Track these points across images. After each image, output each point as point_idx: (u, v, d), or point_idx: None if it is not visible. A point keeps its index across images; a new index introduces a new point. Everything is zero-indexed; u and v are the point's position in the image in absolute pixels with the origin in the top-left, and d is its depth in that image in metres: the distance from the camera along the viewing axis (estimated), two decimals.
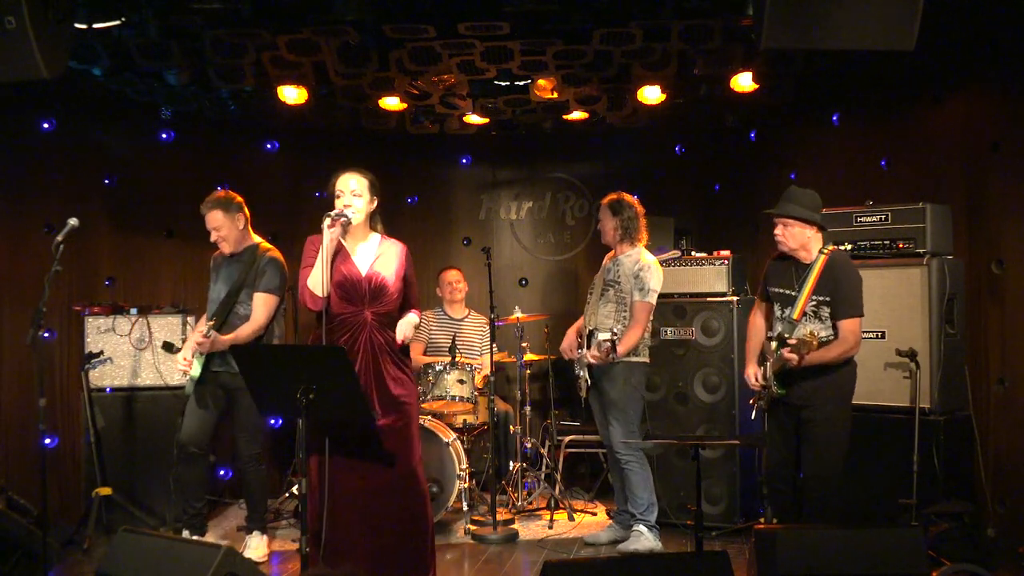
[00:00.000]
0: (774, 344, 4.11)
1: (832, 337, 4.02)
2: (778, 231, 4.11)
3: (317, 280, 3.66)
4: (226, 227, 4.62)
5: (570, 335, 5.06)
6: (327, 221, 3.63)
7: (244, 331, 4.53)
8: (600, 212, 4.98)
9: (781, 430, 4.18)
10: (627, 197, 4.91)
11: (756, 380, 4.21)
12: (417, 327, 3.94)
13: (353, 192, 3.77)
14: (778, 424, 4.21)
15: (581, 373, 4.89)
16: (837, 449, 4.02)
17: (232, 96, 5.56)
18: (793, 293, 4.10)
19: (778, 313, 4.19)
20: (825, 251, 4.08)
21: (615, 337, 4.54)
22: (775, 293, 4.21)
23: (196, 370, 4.53)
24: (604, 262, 5.03)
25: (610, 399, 4.78)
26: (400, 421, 3.74)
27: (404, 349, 3.88)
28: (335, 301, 3.73)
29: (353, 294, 3.73)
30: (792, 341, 3.86)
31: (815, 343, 3.79)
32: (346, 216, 3.70)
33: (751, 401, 4.33)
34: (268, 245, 4.75)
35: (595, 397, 4.90)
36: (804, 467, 4.08)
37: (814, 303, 4.04)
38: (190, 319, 5.38)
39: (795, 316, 4.05)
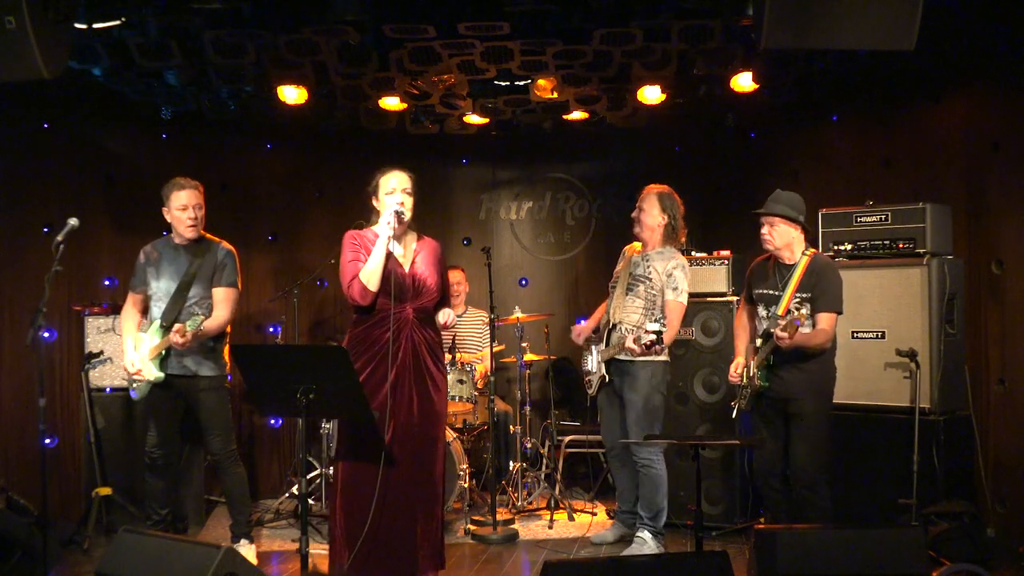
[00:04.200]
0: (759, 341, 4.23)
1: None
2: (765, 230, 4.22)
3: (370, 274, 3.73)
4: (201, 208, 4.47)
5: (589, 324, 4.92)
6: (390, 219, 3.71)
7: (212, 326, 4.38)
8: (644, 201, 4.69)
9: (769, 427, 4.25)
10: (675, 194, 4.73)
11: (736, 372, 4.29)
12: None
13: (405, 190, 3.85)
14: (765, 421, 4.27)
15: (594, 369, 4.77)
16: (823, 440, 4.14)
17: (232, 96, 5.56)
18: (777, 293, 4.20)
19: (763, 313, 4.28)
20: (808, 253, 4.21)
21: (663, 328, 4.19)
22: (759, 294, 4.31)
23: (153, 373, 4.37)
24: (628, 254, 4.85)
25: (631, 400, 4.63)
26: (432, 422, 3.82)
27: (440, 344, 3.95)
28: (381, 296, 3.78)
29: (398, 290, 3.78)
30: (782, 322, 3.95)
31: (804, 319, 3.93)
32: (404, 213, 3.78)
33: (732, 403, 4.38)
34: (218, 238, 4.61)
35: (609, 396, 4.79)
36: (795, 461, 4.16)
37: (797, 300, 4.12)
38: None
39: (780, 312, 4.13)
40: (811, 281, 4.12)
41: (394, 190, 3.83)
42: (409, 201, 3.85)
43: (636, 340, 4.30)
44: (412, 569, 3.75)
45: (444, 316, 3.92)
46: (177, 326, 4.24)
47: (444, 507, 4.05)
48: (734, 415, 4.39)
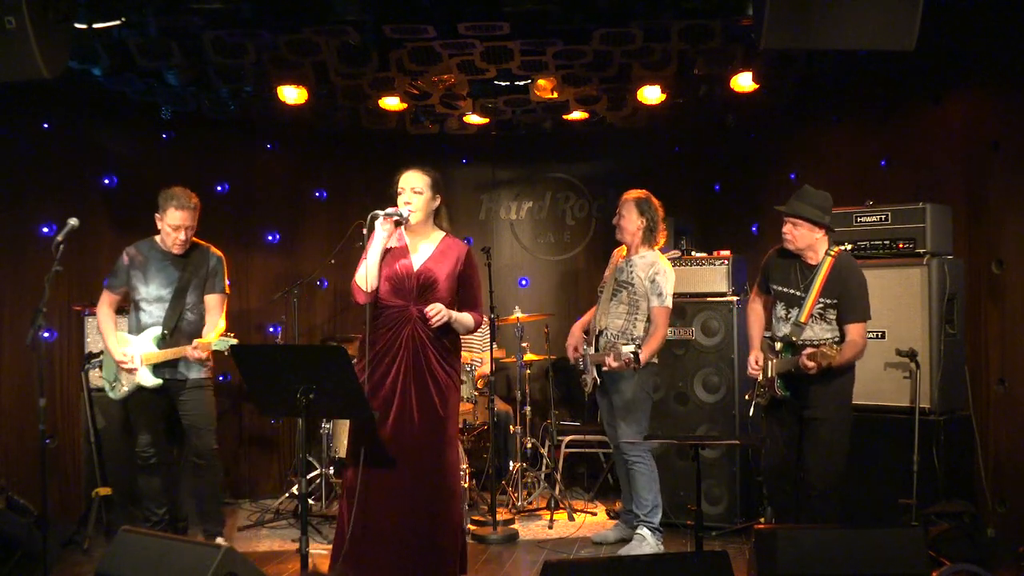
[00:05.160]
0: (779, 345, 4.13)
1: (838, 338, 4.05)
2: (787, 229, 4.12)
3: (363, 275, 3.73)
4: (193, 229, 4.52)
5: (576, 332, 4.95)
6: (380, 219, 3.68)
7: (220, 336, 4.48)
8: (623, 207, 4.80)
9: (784, 429, 4.19)
10: (653, 197, 4.80)
11: (757, 364, 4.20)
12: (471, 330, 3.92)
13: (413, 190, 3.82)
14: (780, 423, 4.21)
15: (588, 370, 4.81)
16: (841, 448, 4.06)
17: (232, 96, 5.56)
18: (799, 294, 4.11)
19: (782, 313, 4.20)
20: (831, 253, 4.09)
21: (639, 350, 4.33)
22: (779, 291, 4.22)
23: (150, 380, 4.42)
24: (614, 259, 4.93)
25: (619, 401, 4.71)
26: (434, 424, 3.75)
27: (454, 348, 3.88)
28: (385, 294, 3.77)
29: (401, 288, 3.77)
30: (810, 351, 3.87)
31: (836, 357, 3.82)
32: (400, 215, 3.75)
33: (747, 396, 4.35)
34: (207, 243, 4.66)
35: (602, 396, 4.85)
36: (808, 466, 4.09)
37: (821, 305, 4.05)
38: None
39: (803, 319, 4.06)
40: (835, 286, 4.02)
41: (403, 190, 3.83)
42: (417, 200, 3.80)
43: (616, 358, 4.41)
44: (417, 573, 3.70)
45: (438, 308, 3.68)
46: (198, 342, 4.34)
47: (461, 510, 3.97)
48: (751, 412, 4.30)
